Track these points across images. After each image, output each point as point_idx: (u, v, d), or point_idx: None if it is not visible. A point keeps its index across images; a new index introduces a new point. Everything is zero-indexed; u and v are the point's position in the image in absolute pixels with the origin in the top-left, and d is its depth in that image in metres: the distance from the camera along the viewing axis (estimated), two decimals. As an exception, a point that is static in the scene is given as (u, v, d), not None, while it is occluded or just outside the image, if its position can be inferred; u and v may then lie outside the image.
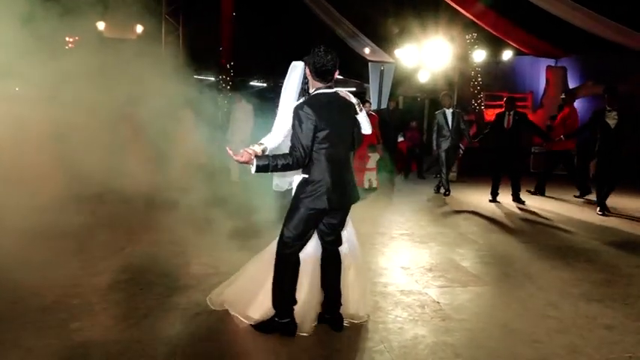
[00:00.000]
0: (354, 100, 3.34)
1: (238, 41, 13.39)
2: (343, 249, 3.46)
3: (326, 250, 3.36)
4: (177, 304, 3.70)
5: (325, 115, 3.06)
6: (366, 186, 9.41)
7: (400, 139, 12.28)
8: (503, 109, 8.65)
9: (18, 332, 3.16)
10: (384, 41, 13.12)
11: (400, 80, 13.94)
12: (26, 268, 4.36)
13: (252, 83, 23.29)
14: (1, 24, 5.05)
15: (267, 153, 3.14)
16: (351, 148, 3.35)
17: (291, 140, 3.08)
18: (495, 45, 13.45)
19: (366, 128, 3.43)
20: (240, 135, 8.91)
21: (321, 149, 3.09)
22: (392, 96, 13.05)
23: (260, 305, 3.34)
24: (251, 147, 3.06)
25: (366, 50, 13.17)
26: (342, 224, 3.39)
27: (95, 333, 3.20)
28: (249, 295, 3.41)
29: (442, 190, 9.24)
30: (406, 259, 5.08)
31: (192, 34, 12.34)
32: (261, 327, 3.26)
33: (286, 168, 3.03)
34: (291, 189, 3.40)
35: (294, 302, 3.26)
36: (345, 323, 3.38)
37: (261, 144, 3.16)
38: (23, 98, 6.19)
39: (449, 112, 9.05)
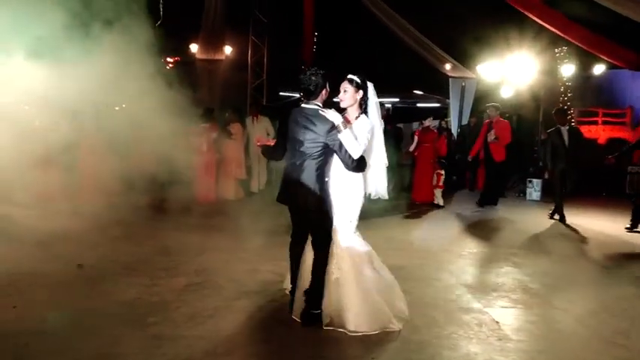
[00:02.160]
0: (335, 120, 3.46)
1: (320, 59, 13.83)
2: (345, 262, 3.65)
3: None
4: (241, 307, 3.97)
5: (293, 126, 3.61)
6: (441, 203, 9.33)
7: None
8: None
9: (104, 321, 3.58)
10: (465, 57, 12.93)
11: (482, 96, 13.61)
12: (116, 266, 4.91)
13: (334, 100, 23.83)
14: (106, 47, 5.71)
15: None
16: (345, 166, 3.59)
17: None
18: (587, 58, 12.75)
19: (352, 148, 3.48)
20: (258, 149, 9.13)
21: (288, 154, 3.70)
22: (473, 112, 12.76)
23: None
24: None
25: (447, 66, 13.04)
26: (308, 225, 3.68)
27: (167, 328, 3.53)
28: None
29: (556, 216, 8.31)
30: (471, 278, 5.01)
31: (276, 53, 12.96)
32: None
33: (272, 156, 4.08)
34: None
35: (292, 285, 3.79)
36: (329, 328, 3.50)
37: None
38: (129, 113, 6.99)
39: (564, 129, 8.18)
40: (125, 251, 5.47)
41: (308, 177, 3.57)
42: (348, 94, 3.68)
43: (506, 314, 4.03)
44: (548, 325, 3.86)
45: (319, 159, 3.57)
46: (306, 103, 3.64)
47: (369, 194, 3.97)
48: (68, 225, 6.53)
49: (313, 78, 3.57)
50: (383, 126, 9.35)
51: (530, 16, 10.66)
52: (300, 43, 12.30)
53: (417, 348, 3.37)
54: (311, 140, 3.54)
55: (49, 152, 6.37)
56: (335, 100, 3.81)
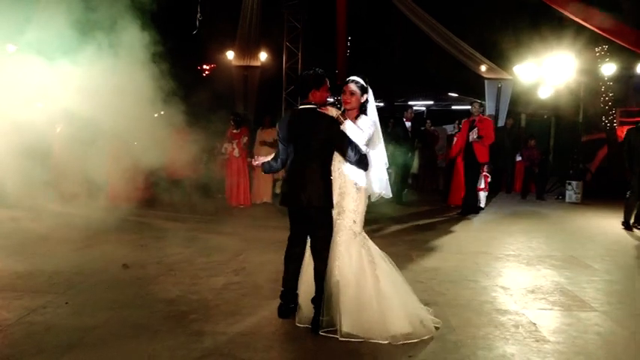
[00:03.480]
0: (333, 113, 3.50)
1: (354, 63, 13.90)
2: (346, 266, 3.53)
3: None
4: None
5: (290, 127, 3.64)
6: (482, 205, 9.26)
7: (518, 158, 11.81)
8: None
9: (148, 319, 3.75)
10: (501, 58, 12.77)
11: (519, 97, 13.40)
12: (160, 266, 5.12)
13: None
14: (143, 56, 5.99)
15: None
16: (348, 159, 3.52)
17: None
18: (630, 57, 12.37)
19: (356, 136, 3.46)
20: None
21: (290, 156, 3.66)
22: (510, 114, 12.59)
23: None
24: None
25: (482, 68, 12.88)
26: (309, 226, 3.65)
27: (207, 325, 3.67)
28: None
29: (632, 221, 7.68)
30: (508, 280, 4.98)
31: (310, 59, 13.11)
32: None
33: (272, 168, 3.96)
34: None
35: (289, 289, 3.80)
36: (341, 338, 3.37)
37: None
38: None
39: None
40: (168, 252, 5.69)
41: (311, 176, 3.55)
42: (354, 98, 3.60)
43: (543, 316, 4.00)
44: (586, 327, 3.81)
45: (321, 157, 3.56)
46: (302, 104, 3.66)
47: (377, 195, 3.83)
48: (112, 227, 6.87)
49: (305, 79, 3.62)
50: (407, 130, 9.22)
51: (568, 14, 10.45)
52: (333, 48, 12.44)
53: (453, 348, 3.39)
54: (312, 138, 3.54)
55: (83, 156, 6.79)
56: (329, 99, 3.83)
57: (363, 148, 3.54)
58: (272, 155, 4.01)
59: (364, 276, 3.50)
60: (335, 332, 3.42)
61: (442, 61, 13.02)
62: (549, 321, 3.91)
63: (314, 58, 12.94)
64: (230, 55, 12.65)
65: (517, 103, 13.58)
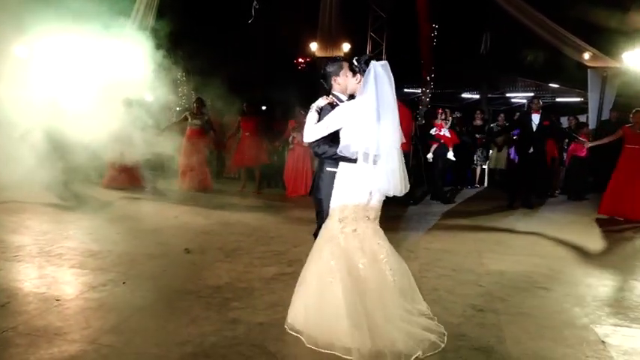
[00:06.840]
0: (316, 104, 3.47)
1: (444, 52, 13.29)
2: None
3: None
4: (323, 300, 3.97)
5: None
6: None
7: None
8: None
9: (191, 302, 3.84)
10: (607, 43, 11.49)
11: (629, 88, 11.98)
12: (219, 253, 5.25)
13: (464, 95, 22.71)
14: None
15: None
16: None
17: None
18: None
19: (307, 131, 3.46)
20: None
21: None
22: (615, 106, 11.34)
23: None
24: None
25: (586, 56, 11.69)
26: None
27: (246, 313, 3.67)
28: None
29: None
30: (585, 289, 4.45)
31: (395, 49, 12.77)
32: None
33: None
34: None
35: None
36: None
37: None
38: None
39: None
40: (229, 239, 5.81)
41: (318, 167, 3.77)
42: (347, 80, 3.53)
43: (616, 334, 3.51)
44: (669, 351, 3.28)
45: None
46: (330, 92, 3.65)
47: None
48: (183, 212, 7.22)
49: (322, 70, 3.66)
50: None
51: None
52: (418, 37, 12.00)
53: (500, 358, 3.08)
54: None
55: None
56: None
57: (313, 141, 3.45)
58: None
59: (329, 279, 3.26)
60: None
61: (539, 49, 12.01)
62: (622, 340, 3.42)
63: (399, 48, 12.59)
64: (313, 46, 12.66)
65: (626, 94, 12.17)
